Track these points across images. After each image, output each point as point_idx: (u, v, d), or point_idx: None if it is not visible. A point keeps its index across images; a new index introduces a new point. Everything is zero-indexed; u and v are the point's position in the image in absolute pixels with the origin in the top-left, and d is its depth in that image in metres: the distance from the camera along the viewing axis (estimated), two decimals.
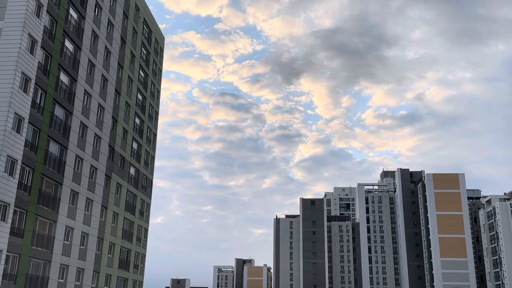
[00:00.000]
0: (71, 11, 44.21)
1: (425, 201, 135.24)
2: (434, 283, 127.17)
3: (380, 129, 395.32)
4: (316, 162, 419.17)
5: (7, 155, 33.94)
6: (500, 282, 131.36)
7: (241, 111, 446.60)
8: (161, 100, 71.25)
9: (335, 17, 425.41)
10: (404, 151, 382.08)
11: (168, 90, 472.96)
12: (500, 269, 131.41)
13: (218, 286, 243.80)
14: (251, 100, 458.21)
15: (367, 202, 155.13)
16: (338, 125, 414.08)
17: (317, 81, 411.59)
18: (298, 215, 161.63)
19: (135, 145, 60.23)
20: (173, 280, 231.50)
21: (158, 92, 69.98)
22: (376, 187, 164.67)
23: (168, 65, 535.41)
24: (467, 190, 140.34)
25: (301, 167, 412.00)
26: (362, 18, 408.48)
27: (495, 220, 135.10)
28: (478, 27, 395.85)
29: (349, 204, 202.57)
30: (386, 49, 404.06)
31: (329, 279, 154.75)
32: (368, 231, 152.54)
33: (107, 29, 52.27)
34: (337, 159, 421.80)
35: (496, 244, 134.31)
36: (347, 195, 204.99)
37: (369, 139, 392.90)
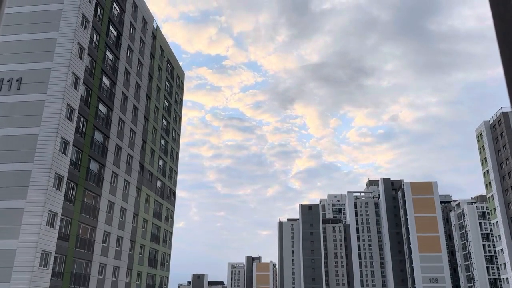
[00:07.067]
0: (108, 53, 44.72)
1: (404, 205, 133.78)
2: (414, 275, 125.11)
3: (362, 146, 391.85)
4: (310, 174, 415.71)
5: (55, 173, 34.06)
6: (470, 273, 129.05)
7: (247, 132, 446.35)
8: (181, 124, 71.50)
9: (321, 53, 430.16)
10: (383, 163, 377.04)
11: (186, 116, 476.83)
12: (470, 262, 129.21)
13: (231, 280, 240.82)
14: (255, 123, 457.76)
15: (355, 207, 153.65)
16: (328, 142, 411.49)
17: (308, 106, 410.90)
18: (298, 219, 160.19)
19: (161, 162, 60.29)
20: (194, 275, 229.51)
21: (180, 118, 70.22)
22: (363, 194, 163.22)
23: (185, 95, 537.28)
24: (440, 195, 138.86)
25: (298, 178, 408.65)
26: (344, 54, 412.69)
27: (464, 221, 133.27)
28: (441, 59, 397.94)
29: (341, 208, 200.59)
30: (365, 79, 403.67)
31: (325, 272, 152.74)
32: (357, 232, 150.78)
33: (137, 67, 52.76)
34: (328, 171, 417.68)
35: (465, 241, 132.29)
36: (338, 201, 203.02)
37: (353, 154, 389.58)
